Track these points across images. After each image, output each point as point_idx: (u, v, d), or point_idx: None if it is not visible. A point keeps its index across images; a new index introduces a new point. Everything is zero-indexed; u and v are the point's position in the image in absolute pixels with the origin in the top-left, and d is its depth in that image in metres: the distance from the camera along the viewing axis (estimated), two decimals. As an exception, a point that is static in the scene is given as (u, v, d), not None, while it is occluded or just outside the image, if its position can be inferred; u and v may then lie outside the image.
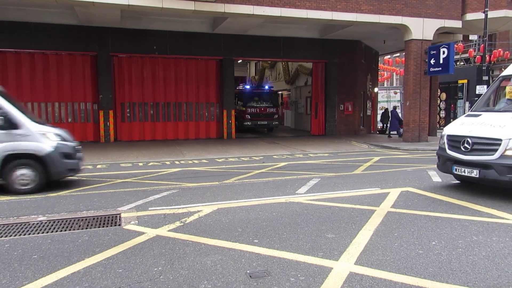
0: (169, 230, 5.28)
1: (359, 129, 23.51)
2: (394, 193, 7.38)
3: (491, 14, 16.83)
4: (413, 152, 15.43)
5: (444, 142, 7.62)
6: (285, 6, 15.39)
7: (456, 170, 7.21)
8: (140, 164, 12.37)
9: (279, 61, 27.96)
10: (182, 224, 5.57)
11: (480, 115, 7.56)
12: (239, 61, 28.42)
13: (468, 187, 7.80)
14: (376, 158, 13.16)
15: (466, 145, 7.00)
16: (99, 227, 5.52)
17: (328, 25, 19.33)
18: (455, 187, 7.95)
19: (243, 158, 13.60)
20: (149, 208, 6.49)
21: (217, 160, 13.26)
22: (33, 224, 5.70)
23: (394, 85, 44.64)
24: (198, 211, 6.22)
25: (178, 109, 20.81)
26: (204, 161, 13.03)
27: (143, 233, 5.19)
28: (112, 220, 5.85)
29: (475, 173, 6.82)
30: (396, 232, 5.09)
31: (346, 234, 5.04)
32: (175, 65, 20.43)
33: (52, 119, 18.93)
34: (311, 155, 14.61)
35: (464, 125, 7.45)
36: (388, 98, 31.11)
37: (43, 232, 5.31)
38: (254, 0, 14.94)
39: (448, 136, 7.56)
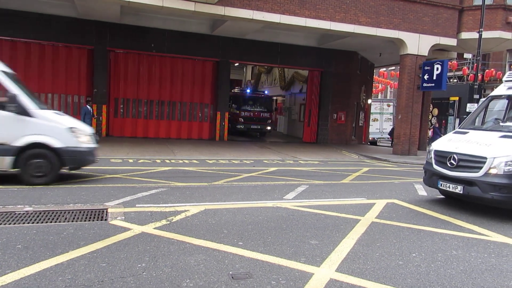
0: (155, 228, 5.32)
1: (350, 139, 23.71)
2: (379, 204, 7.49)
3: (486, 34, 17.14)
4: (402, 165, 15.62)
5: (431, 157, 7.75)
6: (285, 13, 15.54)
7: (441, 185, 7.33)
8: (131, 160, 12.37)
9: (276, 66, 28.14)
10: (168, 222, 5.61)
11: (467, 132, 7.70)
12: (235, 64, 28.46)
13: (452, 203, 7.93)
14: (365, 169, 13.30)
15: (452, 161, 7.11)
16: (85, 220, 5.54)
17: (326, 35, 19.52)
18: (439, 201, 8.08)
19: (234, 161, 13.66)
20: (137, 205, 6.51)
21: (208, 161, 13.30)
22: (19, 214, 5.70)
23: (388, 97, 45.07)
24: (185, 211, 6.26)
25: (172, 108, 20.83)
26: (195, 161, 13.07)
27: (129, 229, 5.22)
28: (98, 214, 5.87)
29: (459, 189, 6.93)
30: (379, 242, 5.19)
31: (329, 242, 5.12)
32: (171, 64, 20.47)
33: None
34: (301, 161, 14.72)
35: (451, 142, 7.57)
36: (381, 110, 31.40)
37: (28, 223, 5.31)
38: (254, 5, 15.06)
39: (436, 151, 7.68)
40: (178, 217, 5.89)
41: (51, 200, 6.58)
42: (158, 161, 12.64)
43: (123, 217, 5.75)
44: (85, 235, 4.91)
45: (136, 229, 5.23)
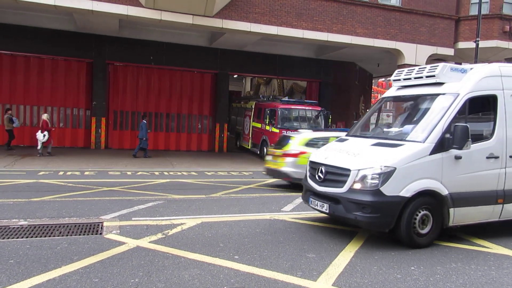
0: (150, 242, 5.26)
1: (350, 150, 23.64)
2: (378, 216, 7.40)
3: (483, 44, 17.18)
4: (402, 175, 15.49)
5: (307, 169, 6.64)
6: (282, 25, 15.62)
7: (311, 202, 6.17)
8: (129, 173, 12.31)
9: (274, 78, 28.20)
10: (164, 236, 5.55)
11: (347, 140, 6.67)
12: (234, 76, 28.58)
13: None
14: (364, 180, 13.21)
15: (320, 174, 6.00)
16: (79, 234, 5.48)
17: (324, 46, 19.59)
18: (439, 212, 7.98)
19: (232, 173, 13.60)
20: (133, 218, 6.45)
21: (207, 173, 13.25)
22: (13, 228, 5.64)
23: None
24: (182, 224, 6.20)
25: (171, 120, 20.83)
26: (193, 173, 13.01)
27: (123, 243, 5.15)
28: (93, 228, 5.81)
29: (325, 207, 5.81)
30: (377, 255, 5.11)
31: (326, 255, 5.05)
32: (170, 76, 20.52)
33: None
34: (300, 173, 14.64)
35: (326, 151, 6.47)
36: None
37: (22, 237, 5.25)
38: (252, 17, 15.15)
39: (310, 162, 6.54)
40: (174, 231, 5.82)
41: (46, 214, 6.53)
42: (157, 173, 12.58)
43: (119, 231, 5.69)
44: (79, 250, 4.84)
45: (131, 243, 5.17)
